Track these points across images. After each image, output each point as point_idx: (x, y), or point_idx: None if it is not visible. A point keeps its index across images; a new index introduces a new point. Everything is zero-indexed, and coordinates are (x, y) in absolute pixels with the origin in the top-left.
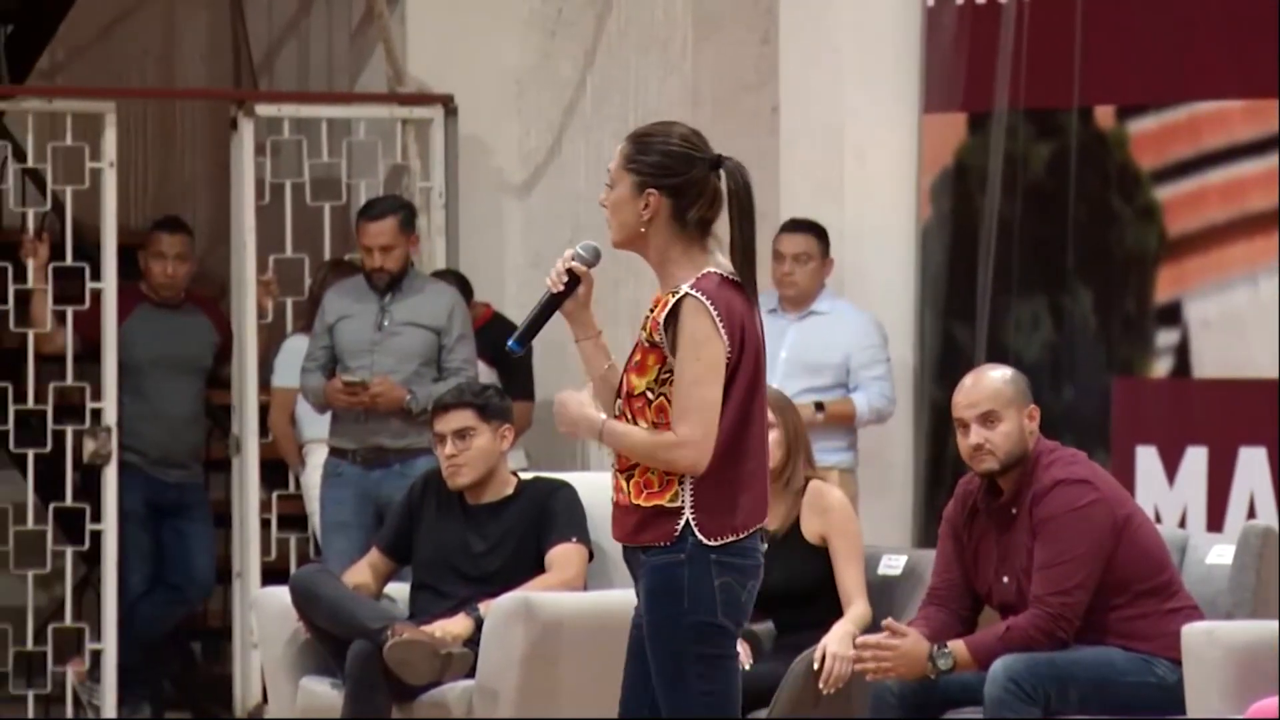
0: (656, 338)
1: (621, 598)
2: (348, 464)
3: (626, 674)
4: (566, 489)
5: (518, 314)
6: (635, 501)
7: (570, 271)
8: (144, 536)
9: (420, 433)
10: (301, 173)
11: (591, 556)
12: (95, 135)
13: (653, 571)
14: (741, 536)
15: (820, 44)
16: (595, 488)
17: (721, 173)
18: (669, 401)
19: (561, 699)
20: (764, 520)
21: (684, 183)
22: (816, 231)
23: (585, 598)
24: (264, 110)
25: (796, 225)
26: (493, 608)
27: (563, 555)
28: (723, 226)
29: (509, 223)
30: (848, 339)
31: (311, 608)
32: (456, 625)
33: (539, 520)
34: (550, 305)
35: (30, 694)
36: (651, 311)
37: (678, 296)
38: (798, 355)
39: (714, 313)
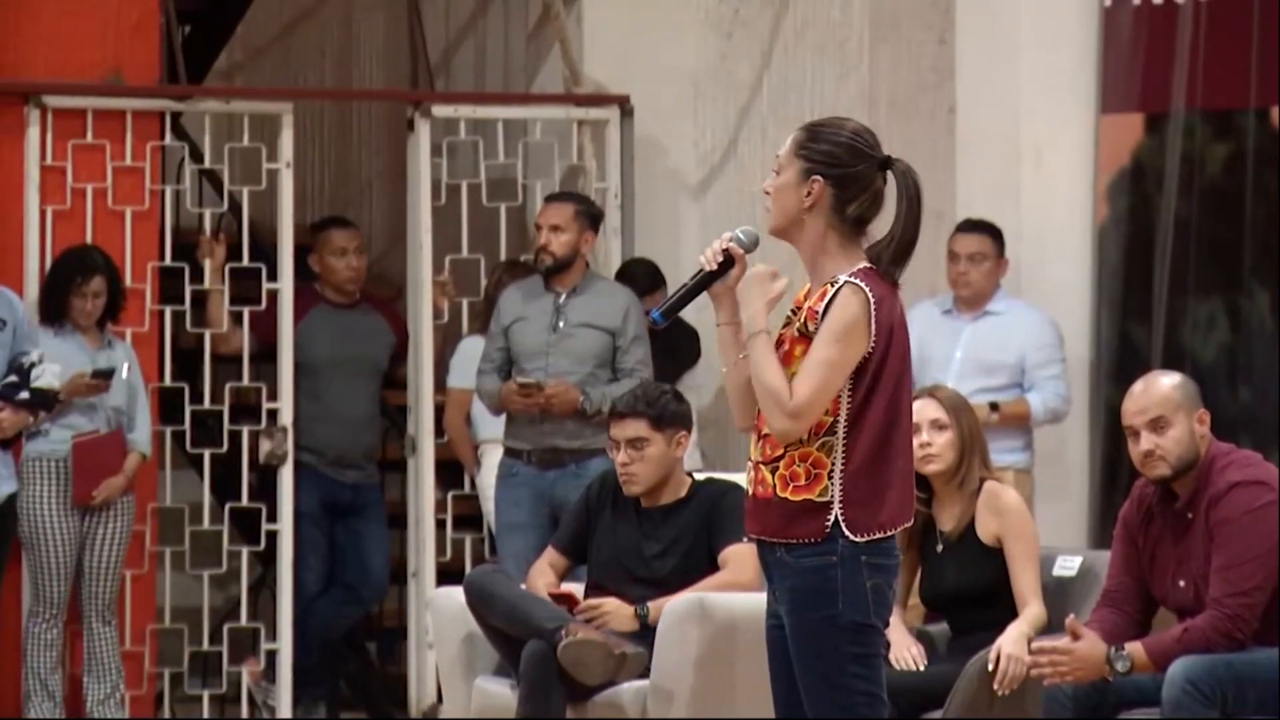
0: (811, 327)
1: None
2: (523, 465)
3: (775, 676)
4: (737, 490)
5: (693, 314)
6: (782, 495)
7: (726, 253)
8: (319, 537)
9: (595, 434)
10: (478, 173)
11: None
12: (272, 136)
13: (803, 572)
14: (888, 534)
15: (997, 44)
16: None
17: (890, 174)
18: None
19: (736, 699)
20: (909, 520)
21: (849, 175)
22: (991, 232)
23: (759, 598)
24: (440, 111)
25: (971, 225)
26: (667, 608)
27: (737, 555)
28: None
29: (685, 223)
30: (1023, 339)
31: (487, 608)
32: (622, 611)
33: (711, 522)
34: (701, 284)
35: (206, 694)
36: (806, 303)
37: (838, 286)
38: (972, 355)
39: (872, 305)
